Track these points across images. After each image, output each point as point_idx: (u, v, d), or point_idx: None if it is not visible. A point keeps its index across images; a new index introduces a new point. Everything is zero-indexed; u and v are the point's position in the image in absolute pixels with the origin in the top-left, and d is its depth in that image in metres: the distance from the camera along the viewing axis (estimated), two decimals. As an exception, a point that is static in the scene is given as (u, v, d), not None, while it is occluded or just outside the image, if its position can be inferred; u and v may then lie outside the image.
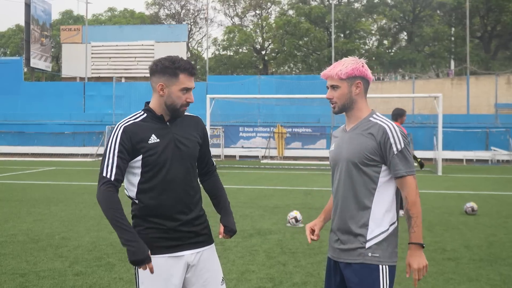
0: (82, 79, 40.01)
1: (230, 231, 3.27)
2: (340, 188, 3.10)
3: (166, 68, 3.00)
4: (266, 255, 7.13)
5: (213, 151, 26.07)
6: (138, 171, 3.00)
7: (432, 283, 5.91)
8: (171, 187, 3.02)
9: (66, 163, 26.44)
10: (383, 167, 3.00)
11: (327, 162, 27.99)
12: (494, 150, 28.97)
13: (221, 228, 3.27)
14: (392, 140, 2.95)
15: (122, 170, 2.96)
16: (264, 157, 30.43)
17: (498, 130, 29.55)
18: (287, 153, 30.69)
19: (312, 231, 3.32)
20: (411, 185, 2.94)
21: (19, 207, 11.19)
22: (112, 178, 2.91)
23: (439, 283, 5.93)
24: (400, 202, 3.09)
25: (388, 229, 2.99)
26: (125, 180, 3.06)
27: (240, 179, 18.14)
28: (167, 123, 3.08)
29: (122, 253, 7.12)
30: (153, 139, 2.99)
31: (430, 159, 27.18)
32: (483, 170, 23.65)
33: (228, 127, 31.00)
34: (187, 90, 3.05)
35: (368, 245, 2.97)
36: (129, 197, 3.10)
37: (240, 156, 30.58)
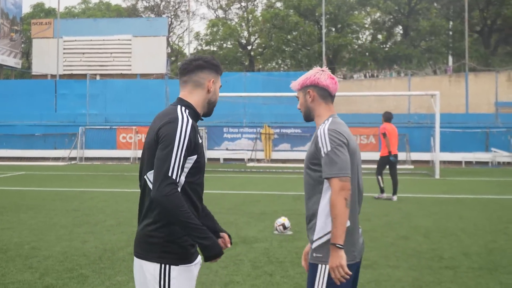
0: (53, 76, 39.73)
1: (230, 238, 3.49)
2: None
3: (213, 65, 3.17)
4: (252, 264, 7.13)
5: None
6: (186, 170, 3.01)
7: (428, 293, 5.94)
8: (201, 191, 3.15)
9: (36, 168, 26.25)
10: None
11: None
12: (494, 151, 29.17)
13: (226, 237, 3.45)
14: (320, 144, 3.27)
15: (183, 171, 2.98)
16: (250, 160, 30.43)
17: (498, 130, 29.73)
18: (275, 155, 30.70)
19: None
20: (333, 187, 3.16)
21: (-15, 215, 11.09)
22: (177, 180, 2.91)
23: (436, 293, 5.97)
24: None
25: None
26: None
27: (225, 184, 18.11)
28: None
29: (95, 264, 7.08)
30: (199, 138, 3.06)
31: (427, 161, 27.35)
32: (483, 173, 23.84)
33: (211, 127, 30.89)
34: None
35: (314, 245, 3.30)
36: None
37: (224, 159, 30.52)
